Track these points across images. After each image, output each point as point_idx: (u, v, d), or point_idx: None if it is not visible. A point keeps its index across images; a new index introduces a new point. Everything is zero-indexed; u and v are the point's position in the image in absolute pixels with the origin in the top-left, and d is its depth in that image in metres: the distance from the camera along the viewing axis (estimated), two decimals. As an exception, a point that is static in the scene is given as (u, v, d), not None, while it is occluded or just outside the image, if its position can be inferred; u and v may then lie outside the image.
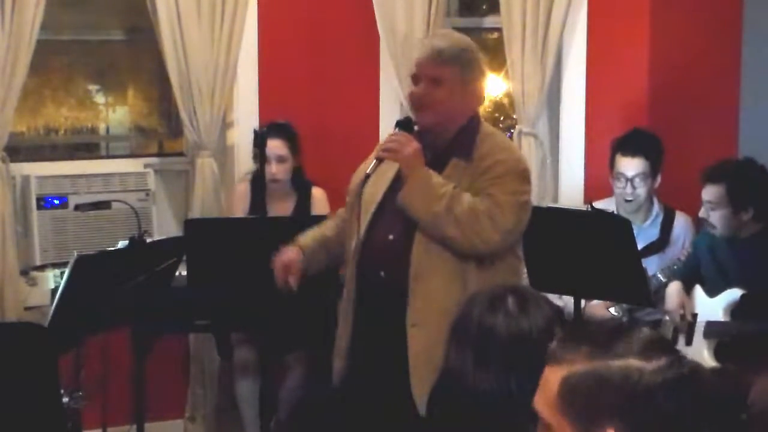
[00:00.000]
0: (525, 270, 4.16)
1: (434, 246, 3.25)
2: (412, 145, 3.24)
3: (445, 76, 3.28)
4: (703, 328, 4.17)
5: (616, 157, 4.47)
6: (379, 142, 3.49)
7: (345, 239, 3.44)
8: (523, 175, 3.32)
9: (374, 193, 3.36)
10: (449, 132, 3.32)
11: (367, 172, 3.27)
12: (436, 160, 3.30)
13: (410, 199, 3.23)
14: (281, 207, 4.58)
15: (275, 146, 4.48)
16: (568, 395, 1.58)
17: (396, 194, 3.30)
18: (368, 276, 3.32)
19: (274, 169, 4.48)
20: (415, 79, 3.33)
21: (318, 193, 4.61)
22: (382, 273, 3.30)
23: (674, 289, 4.26)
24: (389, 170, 3.37)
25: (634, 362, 1.56)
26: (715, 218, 4.15)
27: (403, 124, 3.32)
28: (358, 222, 3.33)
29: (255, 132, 4.33)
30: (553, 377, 1.61)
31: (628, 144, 4.47)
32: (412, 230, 3.27)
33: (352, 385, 3.37)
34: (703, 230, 4.38)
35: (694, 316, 4.20)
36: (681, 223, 4.54)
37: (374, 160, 3.27)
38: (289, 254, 3.41)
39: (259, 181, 4.46)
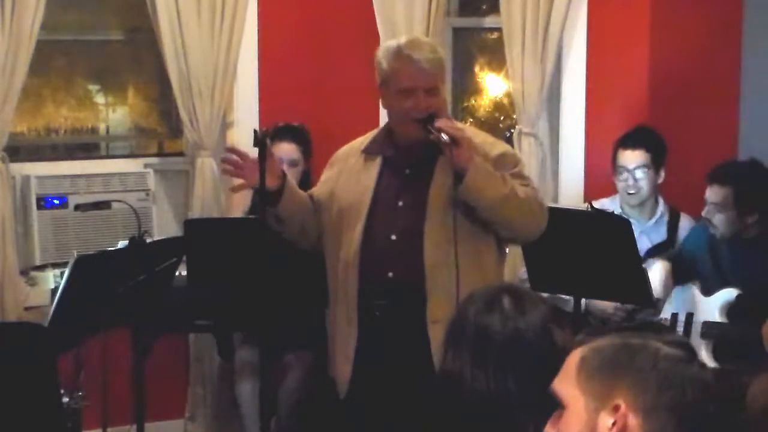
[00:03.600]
0: (525, 270, 4.19)
1: (445, 240, 3.25)
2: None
3: (438, 82, 3.32)
4: (700, 329, 4.17)
5: (618, 152, 4.48)
6: (342, 149, 3.53)
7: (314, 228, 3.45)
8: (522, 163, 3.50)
9: (360, 195, 3.36)
10: None
11: (446, 140, 3.17)
12: (425, 159, 3.31)
13: (479, 183, 3.19)
14: None
15: (288, 150, 4.49)
16: (586, 365, 1.62)
17: (387, 195, 3.31)
18: (373, 278, 3.31)
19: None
20: (408, 92, 3.28)
21: None
22: (391, 273, 3.30)
23: (662, 266, 4.25)
24: (371, 171, 3.38)
25: (653, 341, 1.63)
26: (719, 220, 4.13)
27: (431, 119, 3.27)
28: (343, 227, 3.35)
29: (255, 132, 4.32)
30: (574, 356, 1.65)
31: (629, 138, 4.48)
32: (417, 228, 3.28)
33: (363, 388, 3.35)
34: (695, 228, 4.37)
35: (690, 315, 4.20)
36: (686, 225, 4.53)
37: (443, 135, 3.18)
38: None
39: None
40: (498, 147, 3.41)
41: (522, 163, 3.47)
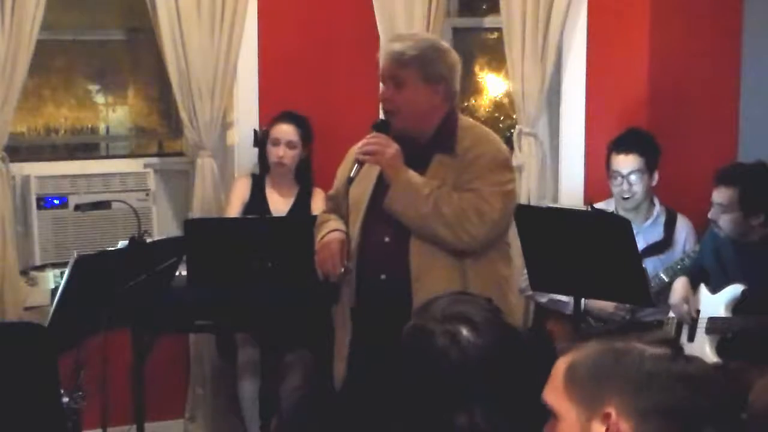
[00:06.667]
0: (525, 271, 4.19)
1: (430, 245, 3.26)
2: (392, 147, 3.26)
3: (406, 77, 3.30)
4: (705, 324, 4.18)
5: (611, 156, 4.49)
6: (357, 145, 3.49)
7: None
8: (505, 164, 3.38)
9: (361, 194, 3.37)
10: (427, 130, 3.35)
11: (350, 175, 3.27)
12: (419, 158, 3.31)
13: (397, 203, 3.24)
14: (281, 198, 4.62)
15: (286, 131, 4.58)
16: (573, 375, 1.64)
17: (382, 196, 3.31)
18: (368, 279, 3.32)
19: (281, 152, 4.53)
20: (382, 80, 3.35)
21: (319, 195, 4.62)
22: (383, 276, 3.31)
23: (680, 283, 4.26)
24: (373, 171, 3.38)
25: (637, 344, 1.64)
26: (725, 221, 4.13)
27: (380, 127, 3.34)
28: (349, 225, 3.36)
29: (255, 132, 4.34)
30: (560, 366, 1.67)
31: (622, 142, 4.49)
32: (406, 232, 3.28)
33: (355, 388, 3.36)
34: (710, 229, 4.38)
35: (697, 312, 4.21)
36: (683, 225, 4.55)
37: (356, 164, 3.26)
38: (336, 244, 3.36)
39: (261, 179, 4.50)
40: (480, 147, 3.34)
41: (500, 162, 3.35)
